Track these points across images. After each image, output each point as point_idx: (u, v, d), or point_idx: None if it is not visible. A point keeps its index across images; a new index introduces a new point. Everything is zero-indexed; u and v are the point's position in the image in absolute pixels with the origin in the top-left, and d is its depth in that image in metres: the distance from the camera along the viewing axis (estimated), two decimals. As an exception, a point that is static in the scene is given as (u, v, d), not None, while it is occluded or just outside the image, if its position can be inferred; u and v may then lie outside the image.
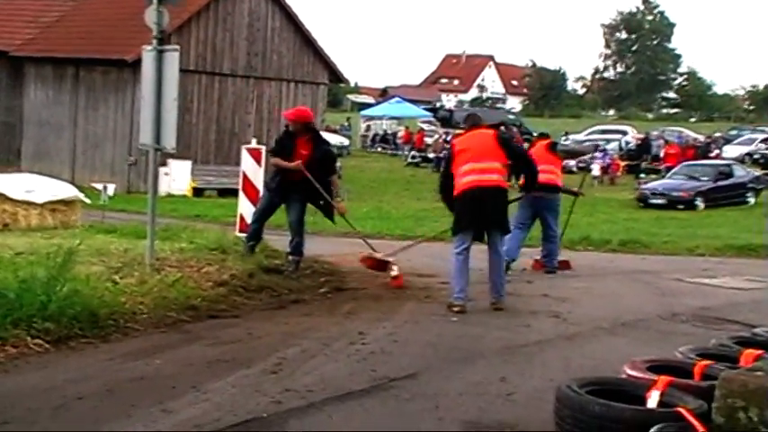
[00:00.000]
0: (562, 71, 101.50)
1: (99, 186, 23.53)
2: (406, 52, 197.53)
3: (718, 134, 50.23)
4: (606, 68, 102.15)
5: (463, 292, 8.98)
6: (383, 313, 8.69)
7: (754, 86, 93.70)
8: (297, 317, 8.44)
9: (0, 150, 30.35)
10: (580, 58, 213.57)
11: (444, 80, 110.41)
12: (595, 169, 35.35)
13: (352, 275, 10.74)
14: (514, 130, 43.68)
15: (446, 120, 55.69)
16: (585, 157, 31.01)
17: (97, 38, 28.54)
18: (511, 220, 9.81)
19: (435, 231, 17.24)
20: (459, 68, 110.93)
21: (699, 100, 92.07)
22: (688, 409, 4.28)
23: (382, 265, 10.44)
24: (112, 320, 7.31)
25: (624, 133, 49.35)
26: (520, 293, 10.09)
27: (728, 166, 31.57)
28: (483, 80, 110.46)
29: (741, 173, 31.13)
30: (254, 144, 12.31)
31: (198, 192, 27.49)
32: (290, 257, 10.49)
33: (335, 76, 33.64)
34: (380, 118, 54.63)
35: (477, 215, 9.01)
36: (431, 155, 42.29)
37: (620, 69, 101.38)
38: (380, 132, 53.27)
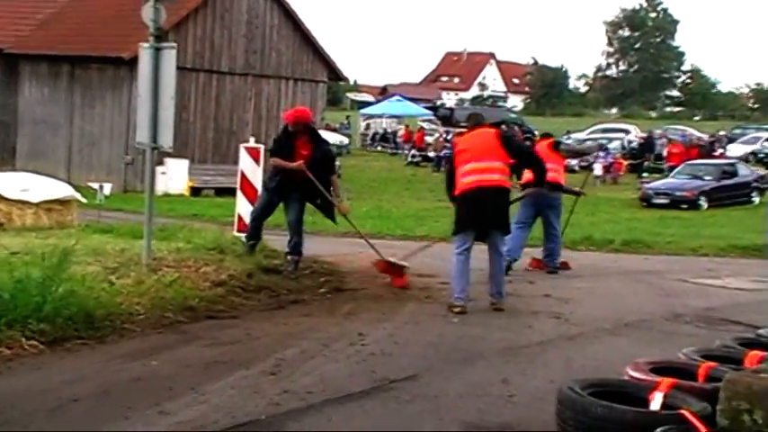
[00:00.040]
0: (564, 69, 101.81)
1: (95, 185, 23.52)
2: (407, 50, 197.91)
3: (722, 133, 50.28)
4: (609, 66, 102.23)
5: (464, 292, 8.98)
6: (383, 314, 8.69)
7: (758, 84, 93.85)
8: (296, 317, 8.44)
9: (-5, 149, 30.37)
10: (582, 55, 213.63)
11: (445, 78, 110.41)
12: (597, 168, 35.34)
13: (352, 276, 10.74)
14: (516, 128, 43.71)
15: (446, 118, 55.69)
16: (588, 157, 31.04)
17: (93, 35, 28.52)
18: (512, 220, 9.82)
19: (437, 231, 17.33)
20: (460, 66, 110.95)
21: (702, 98, 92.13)
22: (692, 412, 4.28)
23: (397, 270, 10.40)
24: (109, 321, 7.30)
25: (627, 132, 49.36)
26: (521, 294, 10.10)
27: (732, 165, 31.56)
28: (484, 78, 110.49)
29: (745, 172, 31.12)
30: (252, 143, 12.31)
31: (195, 191, 27.47)
32: (289, 257, 10.48)
33: (335, 74, 33.63)
34: (380, 116, 54.62)
35: (477, 215, 9.02)
36: (431, 154, 42.30)
37: (622, 67, 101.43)
38: (380, 131, 53.26)
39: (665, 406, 4.50)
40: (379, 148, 50.42)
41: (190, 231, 12.01)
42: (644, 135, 45.07)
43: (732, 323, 8.92)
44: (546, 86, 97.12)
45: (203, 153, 29.02)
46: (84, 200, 15.19)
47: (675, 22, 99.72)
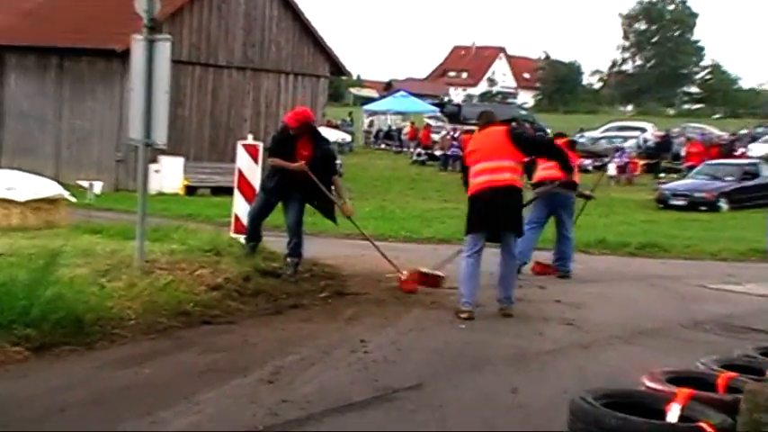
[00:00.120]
0: (577, 64, 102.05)
1: (85, 184, 23.61)
2: (412, 43, 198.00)
3: (743, 131, 50.23)
4: (624, 61, 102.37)
5: (472, 297, 9.00)
6: (386, 319, 8.69)
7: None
8: (295, 323, 8.44)
9: (-21, 145, 30.37)
10: (597, 50, 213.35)
11: (452, 73, 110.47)
12: (612, 168, 35.34)
13: (354, 279, 10.74)
14: (527, 126, 43.70)
15: (454, 115, 55.70)
16: (603, 158, 31.08)
17: (84, 26, 28.51)
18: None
19: (444, 233, 17.35)
20: (468, 61, 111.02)
21: (723, 95, 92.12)
22: (711, 424, 4.26)
23: (434, 279, 10.37)
24: (98, 326, 7.30)
25: (643, 130, 49.28)
26: (531, 299, 10.09)
27: (755, 165, 31.47)
28: (493, 73, 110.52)
29: (768, 173, 31.07)
30: (250, 140, 12.30)
31: (190, 190, 27.49)
32: (289, 259, 10.49)
33: (337, 69, 33.62)
34: (384, 113, 54.68)
35: (489, 216, 9.05)
36: (437, 152, 42.32)
37: (639, 62, 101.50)
38: (384, 128, 53.31)
39: (682, 418, 4.49)
40: (383, 146, 50.45)
41: (184, 232, 12.01)
42: (661, 133, 45.05)
43: (753, 331, 8.92)
44: (558, 82, 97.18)
45: (199, 150, 29.01)
46: (73, 199, 15.18)
47: (694, 15, 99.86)
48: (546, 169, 11.66)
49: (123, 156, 26.55)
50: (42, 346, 6.74)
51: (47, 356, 6.67)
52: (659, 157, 39.99)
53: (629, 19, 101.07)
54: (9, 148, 29.98)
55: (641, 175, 37.49)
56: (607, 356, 7.72)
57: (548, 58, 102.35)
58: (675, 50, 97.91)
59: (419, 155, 43.49)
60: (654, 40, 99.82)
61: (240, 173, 11.83)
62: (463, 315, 8.85)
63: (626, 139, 44.60)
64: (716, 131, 49.36)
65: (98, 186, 24.80)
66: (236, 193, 11.86)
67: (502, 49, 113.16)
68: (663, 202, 28.56)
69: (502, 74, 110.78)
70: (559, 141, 12.51)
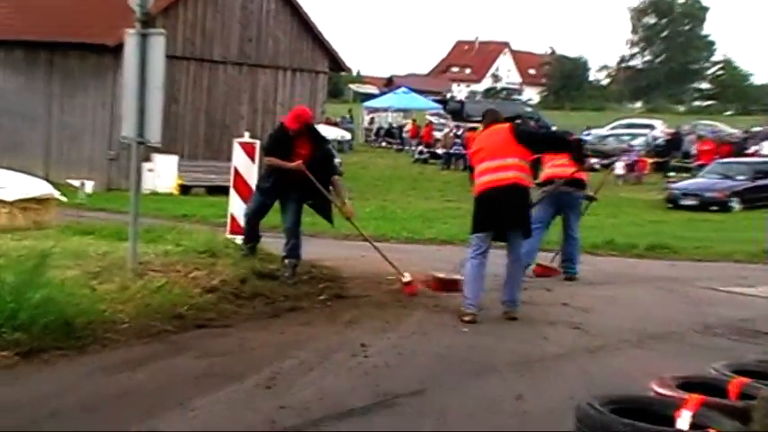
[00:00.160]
0: (584, 59, 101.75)
1: (76, 183, 23.66)
2: (414, 38, 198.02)
3: (756, 129, 50.16)
4: (633, 56, 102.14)
5: (476, 299, 9.01)
6: (388, 323, 8.69)
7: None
8: (293, 326, 8.44)
9: (-33, 143, 30.34)
10: (604, 44, 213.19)
11: (455, 69, 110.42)
12: (620, 167, 35.31)
13: (354, 281, 10.74)
14: (532, 124, 43.70)
15: (457, 112, 55.66)
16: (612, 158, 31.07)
17: (74, 19, 28.48)
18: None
19: (447, 234, 17.35)
20: (472, 56, 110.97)
21: (735, 91, 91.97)
22: None
23: (452, 284, 10.34)
24: (90, 330, 7.29)
25: (652, 128, 49.29)
26: (537, 302, 10.09)
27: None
28: (497, 69, 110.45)
29: (782, 171, 31.04)
30: (246, 138, 12.30)
31: (185, 189, 27.49)
32: (287, 261, 10.49)
33: (336, 64, 33.62)
34: (385, 110, 54.69)
35: (494, 216, 9.06)
36: (440, 150, 42.31)
37: (648, 57, 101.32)
38: (385, 126, 53.32)
39: (693, 425, 4.48)
40: (383, 144, 50.45)
41: (179, 233, 12.01)
42: (671, 131, 45.05)
43: (766, 335, 8.91)
44: (564, 78, 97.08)
45: (194, 148, 29.01)
46: (63, 198, 15.19)
47: (705, 9, 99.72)
48: (553, 167, 11.67)
49: (115, 154, 26.53)
50: (31, 350, 6.73)
51: (36, 361, 6.66)
52: (669, 155, 39.96)
53: (638, 13, 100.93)
54: (-3, 146, 29.95)
55: (650, 174, 37.45)
56: (615, 361, 7.72)
57: (554, 53, 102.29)
58: (686, 45, 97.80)
59: (421, 153, 43.48)
60: (663, 34, 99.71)
61: (236, 172, 11.83)
62: (466, 318, 8.85)
63: (635, 136, 44.57)
64: (727, 129, 49.33)
65: (89, 185, 24.83)
66: (232, 192, 11.87)
67: (506, 44, 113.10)
68: (673, 202, 28.56)
69: (506, 69, 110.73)
70: (569, 138, 12.56)
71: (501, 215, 9.06)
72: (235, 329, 8.18)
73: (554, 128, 37.65)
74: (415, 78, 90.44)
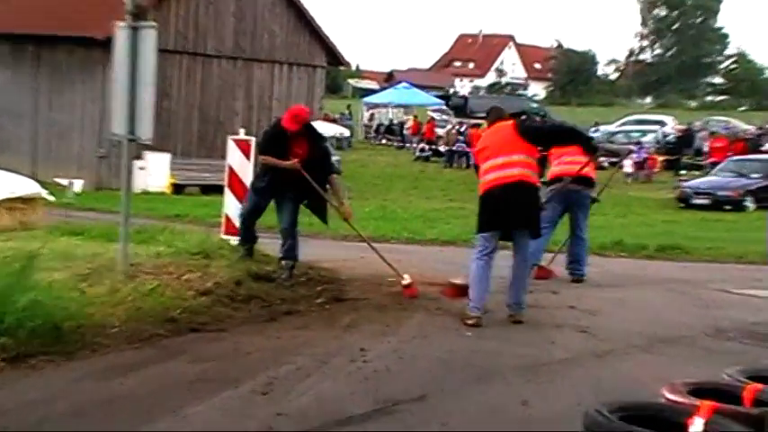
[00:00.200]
0: (592, 53, 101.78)
1: (64, 182, 23.64)
2: (415, 32, 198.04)
3: (771, 124, 50.20)
4: (642, 50, 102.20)
5: (481, 302, 9.01)
6: (388, 326, 8.69)
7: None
8: (290, 330, 8.44)
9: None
10: (613, 38, 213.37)
11: (458, 63, 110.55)
12: (628, 165, 35.30)
13: (353, 283, 10.75)
14: (537, 120, 43.70)
15: (460, 108, 55.78)
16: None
17: (62, 11, 28.47)
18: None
19: (449, 235, 17.36)
20: (475, 50, 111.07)
21: (749, 86, 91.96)
22: (736, 439, 4.27)
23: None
24: (79, 335, 7.30)
25: (663, 124, 49.34)
26: (543, 305, 10.09)
27: (783, 161, 31.45)
28: (502, 63, 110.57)
29: (798, 169, 31.00)
30: (242, 135, 12.30)
31: (178, 188, 27.51)
32: (283, 262, 10.50)
33: (335, 59, 33.62)
34: (385, 106, 54.70)
35: (499, 214, 9.06)
36: (442, 148, 42.33)
37: (658, 51, 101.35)
38: (385, 122, 53.35)
39: (705, 433, 4.49)
40: (383, 142, 50.49)
41: (171, 234, 12.01)
42: (682, 127, 45.03)
43: (782, 339, 8.92)
44: (571, 73, 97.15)
45: (187, 146, 29.02)
46: (51, 198, 15.19)
47: (718, 1, 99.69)
48: (561, 164, 11.66)
49: (105, 152, 26.54)
50: (18, 355, 6.74)
51: (23, 367, 6.66)
52: (680, 152, 39.93)
53: (648, 4, 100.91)
54: (-18, 144, 29.94)
55: (661, 173, 37.46)
56: (624, 366, 7.72)
57: (560, 46, 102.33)
58: (698, 38, 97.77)
59: (422, 151, 43.50)
60: (675, 27, 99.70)
61: (231, 170, 11.83)
62: (470, 321, 8.85)
63: (644, 133, 44.63)
64: (741, 125, 49.32)
65: (78, 184, 24.82)
66: (227, 191, 11.87)
67: (511, 38, 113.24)
68: (684, 201, 28.53)
69: (511, 64, 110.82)
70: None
71: (507, 214, 9.06)
72: (229, 333, 8.18)
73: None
74: (417, 73, 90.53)
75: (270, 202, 10.64)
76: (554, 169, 11.79)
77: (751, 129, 46.84)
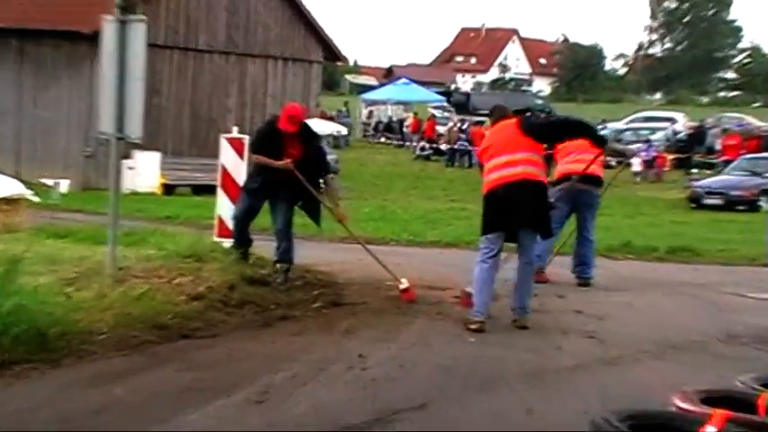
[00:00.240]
0: (599, 47, 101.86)
1: (50, 182, 23.64)
2: (415, 26, 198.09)
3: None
4: (652, 44, 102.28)
5: (484, 306, 9.01)
6: (387, 332, 8.70)
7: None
8: (286, 336, 8.45)
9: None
10: (621, 31, 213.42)
11: (460, 58, 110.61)
12: (636, 164, 35.29)
13: (351, 287, 10.76)
14: (542, 116, 43.68)
15: (461, 105, 55.73)
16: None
17: (47, 4, 28.46)
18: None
19: (451, 236, 17.36)
20: (478, 44, 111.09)
21: (764, 81, 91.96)
22: (750, 449, 4.27)
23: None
24: (65, 341, 7.29)
25: (673, 121, 49.31)
26: (548, 309, 10.10)
27: (799, 159, 31.44)
28: (505, 58, 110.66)
29: (815, 168, 30.98)
30: (235, 133, 12.30)
31: (168, 189, 27.51)
32: (278, 266, 10.51)
33: (331, 54, 33.62)
34: (384, 102, 54.73)
35: (503, 214, 9.06)
36: (443, 146, 42.34)
37: (668, 45, 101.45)
38: (384, 119, 53.35)
39: (718, 442, 4.49)
40: (382, 140, 50.44)
41: (162, 236, 12.03)
42: (693, 124, 45.05)
43: (797, 345, 8.92)
44: (578, 68, 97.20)
45: (178, 144, 29.01)
46: (36, 199, 15.18)
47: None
48: (568, 163, 11.64)
49: (93, 151, 26.52)
50: (2, 363, 6.73)
51: (7, 375, 6.65)
52: (691, 150, 39.91)
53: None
54: (-37, 142, 29.91)
55: (671, 171, 37.47)
56: (633, 373, 7.73)
57: (566, 40, 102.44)
58: (710, 31, 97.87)
59: (423, 149, 43.52)
60: (686, 19, 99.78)
61: (224, 169, 11.82)
62: (473, 326, 8.85)
63: (654, 130, 44.56)
64: (755, 122, 49.29)
65: (64, 185, 24.83)
66: (220, 192, 11.86)
67: (515, 32, 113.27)
68: (695, 202, 28.53)
69: (515, 59, 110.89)
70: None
71: (510, 213, 9.05)
72: (222, 340, 8.18)
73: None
74: (417, 68, 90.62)
75: (263, 204, 10.65)
76: (560, 168, 11.77)
77: (765, 126, 46.80)
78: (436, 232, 18.35)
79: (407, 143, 47.53)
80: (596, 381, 7.37)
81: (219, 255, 10.58)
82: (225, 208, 11.65)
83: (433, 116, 48.99)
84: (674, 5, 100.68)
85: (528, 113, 13.67)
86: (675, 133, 44.66)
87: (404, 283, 10.31)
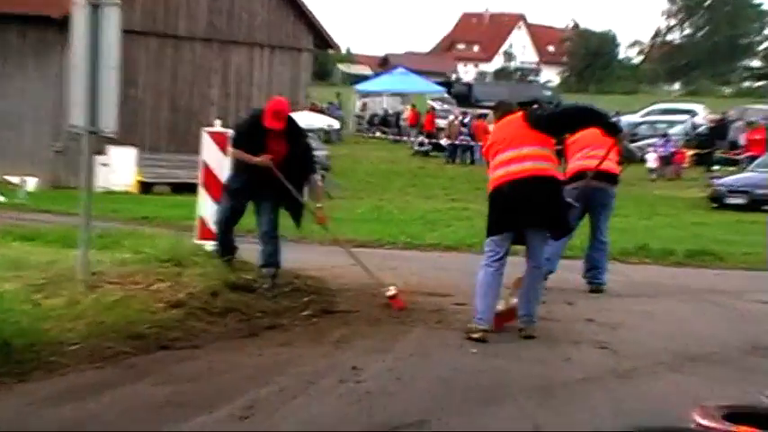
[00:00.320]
0: (612, 34, 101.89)
1: (15, 180, 23.63)
2: (413, 11, 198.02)
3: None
4: (670, 30, 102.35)
5: (487, 314, 8.99)
6: (382, 342, 8.70)
7: None
8: (273, 347, 8.45)
9: None
10: (636, 16, 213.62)
11: (461, 46, 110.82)
12: (652, 159, 35.30)
13: (343, 294, 10.77)
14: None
15: (463, 96, 55.85)
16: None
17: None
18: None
19: (451, 239, 17.37)
20: (481, 31, 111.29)
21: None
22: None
23: (509, 316, 9.76)
24: (32, 353, 7.29)
25: (693, 113, 49.36)
26: (557, 318, 10.10)
27: (829, 155, 31.50)
28: (511, 46, 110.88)
29: None
30: (217, 127, 12.31)
31: (146, 187, 27.54)
32: (264, 270, 10.51)
33: (322, 41, 33.67)
34: (380, 94, 54.73)
35: (509, 213, 9.06)
36: (443, 141, 42.33)
37: (688, 31, 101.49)
38: (380, 112, 53.40)
39: (741, 461, 4.50)
40: (378, 134, 50.49)
41: (138, 238, 12.03)
42: (715, 117, 45.02)
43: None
44: (589, 56, 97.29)
45: (156, 139, 29.05)
46: (0, 198, 15.18)
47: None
48: (580, 159, 11.61)
49: (62, 146, 26.54)
50: (-35, 376, 6.75)
51: (-30, 389, 6.67)
52: (712, 145, 39.88)
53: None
54: None
55: (690, 168, 37.48)
56: (649, 387, 7.73)
57: (576, 26, 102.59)
58: (733, 16, 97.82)
59: (421, 144, 43.53)
60: (707, 3, 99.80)
61: (206, 166, 11.83)
62: (476, 335, 8.85)
63: (672, 124, 44.60)
64: (782, 115, 49.34)
65: (31, 183, 24.83)
66: (201, 190, 11.87)
67: (521, 17, 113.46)
68: (717, 201, 28.52)
69: (521, 46, 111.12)
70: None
71: (517, 212, 9.03)
72: (204, 351, 8.18)
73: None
74: (415, 57, 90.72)
75: (247, 205, 10.65)
76: (572, 165, 11.73)
77: (793, 119, 46.88)
78: (436, 234, 18.36)
79: (405, 138, 47.54)
80: (609, 395, 7.38)
81: (201, 259, 10.58)
82: (207, 208, 11.66)
83: (433, 109, 48.99)
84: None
85: (535, 106, 13.66)
86: (695, 127, 44.70)
87: (391, 290, 10.30)
